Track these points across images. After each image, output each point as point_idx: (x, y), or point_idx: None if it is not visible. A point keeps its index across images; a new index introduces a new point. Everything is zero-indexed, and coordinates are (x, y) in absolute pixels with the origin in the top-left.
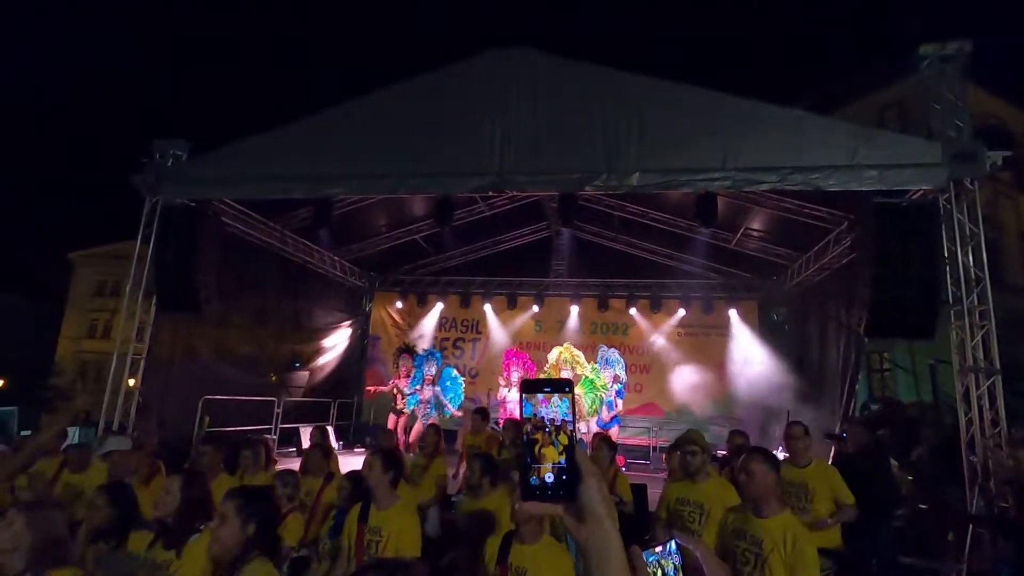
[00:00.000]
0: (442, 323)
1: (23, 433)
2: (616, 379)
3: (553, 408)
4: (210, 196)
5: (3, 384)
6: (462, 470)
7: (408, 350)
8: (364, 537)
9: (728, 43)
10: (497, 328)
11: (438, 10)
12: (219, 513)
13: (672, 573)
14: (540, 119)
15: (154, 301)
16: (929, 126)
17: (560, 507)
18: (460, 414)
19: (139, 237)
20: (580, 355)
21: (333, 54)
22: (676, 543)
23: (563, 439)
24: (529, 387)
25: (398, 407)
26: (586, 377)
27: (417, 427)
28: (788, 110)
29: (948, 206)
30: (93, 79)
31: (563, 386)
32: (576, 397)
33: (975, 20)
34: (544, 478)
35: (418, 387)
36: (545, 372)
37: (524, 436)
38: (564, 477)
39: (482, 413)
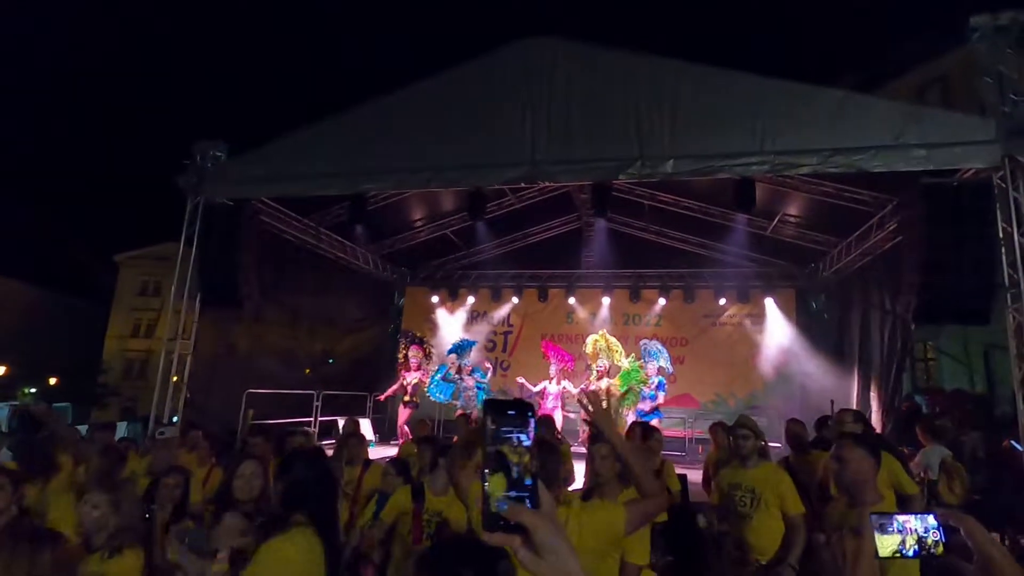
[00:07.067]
0: (473, 316)
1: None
2: (660, 371)
3: (517, 433)
4: (250, 195)
5: (56, 382)
6: None
7: (418, 341)
8: (422, 518)
9: (760, 24)
10: (528, 321)
11: (467, 2)
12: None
13: (932, 547)
14: (571, 108)
15: (198, 299)
16: (979, 102)
17: (518, 539)
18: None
19: (182, 237)
20: (616, 343)
21: (361, 50)
22: (935, 516)
23: (527, 464)
24: (493, 408)
25: (406, 399)
26: (624, 369)
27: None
28: (827, 89)
29: (1003, 185)
30: (133, 83)
31: (526, 409)
32: (612, 388)
33: None
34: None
35: (456, 376)
36: (582, 361)
37: (485, 467)
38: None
39: None
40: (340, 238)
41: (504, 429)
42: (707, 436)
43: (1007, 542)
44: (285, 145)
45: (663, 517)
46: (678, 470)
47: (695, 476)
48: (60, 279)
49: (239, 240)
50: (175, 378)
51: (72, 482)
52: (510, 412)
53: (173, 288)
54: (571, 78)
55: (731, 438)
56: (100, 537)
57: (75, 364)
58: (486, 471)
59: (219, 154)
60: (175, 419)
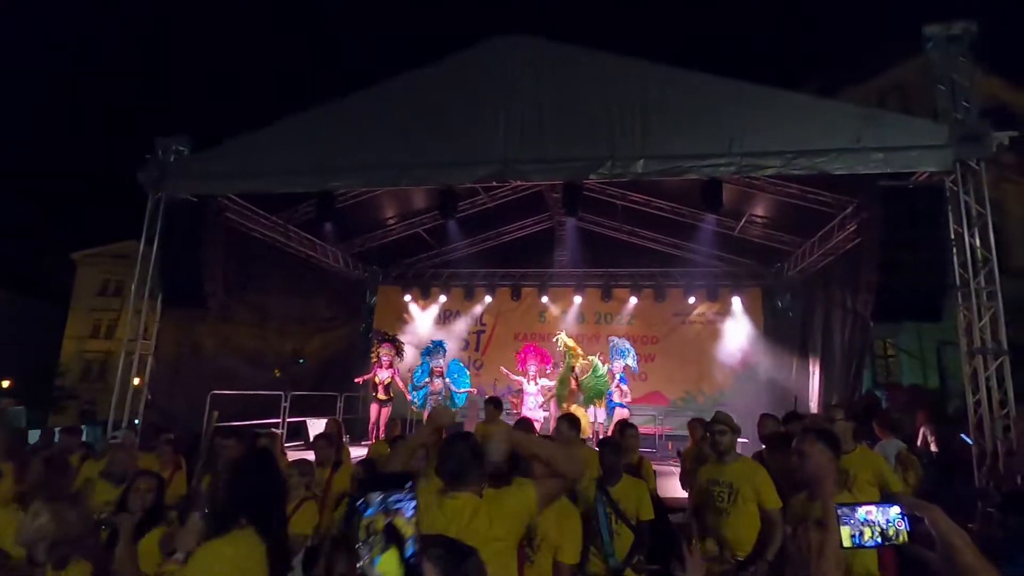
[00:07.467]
0: (446, 315)
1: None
2: (626, 369)
3: (406, 501)
4: (214, 191)
5: (10, 384)
6: None
7: (390, 340)
8: None
9: (728, 28)
10: (501, 320)
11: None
12: None
13: (894, 537)
14: (543, 107)
15: (160, 298)
16: (934, 109)
17: None
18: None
19: (143, 234)
20: (571, 343)
21: (333, 47)
22: (900, 508)
23: (418, 536)
24: (374, 484)
25: (380, 397)
26: (568, 365)
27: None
28: (792, 94)
29: (954, 188)
30: (93, 78)
31: (403, 482)
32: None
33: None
34: None
35: (427, 379)
36: (554, 362)
37: (373, 546)
38: None
39: (495, 402)
40: (309, 236)
41: (393, 499)
42: (677, 433)
43: None
44: (251, 140)
45: (649, 515)
46: None
47: (664, 471)
48: (14, 277)
49: (203, 238)
50: (137, 380)
51: (16, 492)
52: (391, 483)
53: (134, 287)
54: (543, 77)
55: (708, 434)
56: (40, 549)
57: (31, 366)
58: (372, 550)
59: (182, 149)
60: (136, 422)
